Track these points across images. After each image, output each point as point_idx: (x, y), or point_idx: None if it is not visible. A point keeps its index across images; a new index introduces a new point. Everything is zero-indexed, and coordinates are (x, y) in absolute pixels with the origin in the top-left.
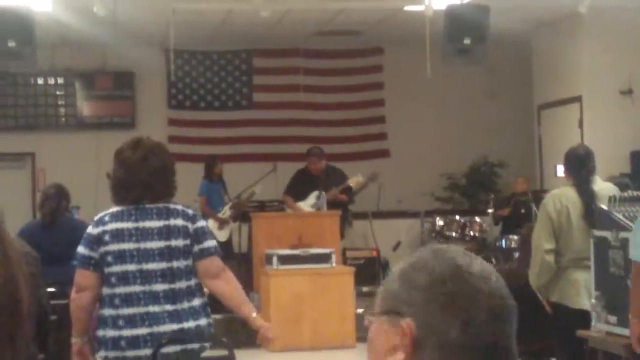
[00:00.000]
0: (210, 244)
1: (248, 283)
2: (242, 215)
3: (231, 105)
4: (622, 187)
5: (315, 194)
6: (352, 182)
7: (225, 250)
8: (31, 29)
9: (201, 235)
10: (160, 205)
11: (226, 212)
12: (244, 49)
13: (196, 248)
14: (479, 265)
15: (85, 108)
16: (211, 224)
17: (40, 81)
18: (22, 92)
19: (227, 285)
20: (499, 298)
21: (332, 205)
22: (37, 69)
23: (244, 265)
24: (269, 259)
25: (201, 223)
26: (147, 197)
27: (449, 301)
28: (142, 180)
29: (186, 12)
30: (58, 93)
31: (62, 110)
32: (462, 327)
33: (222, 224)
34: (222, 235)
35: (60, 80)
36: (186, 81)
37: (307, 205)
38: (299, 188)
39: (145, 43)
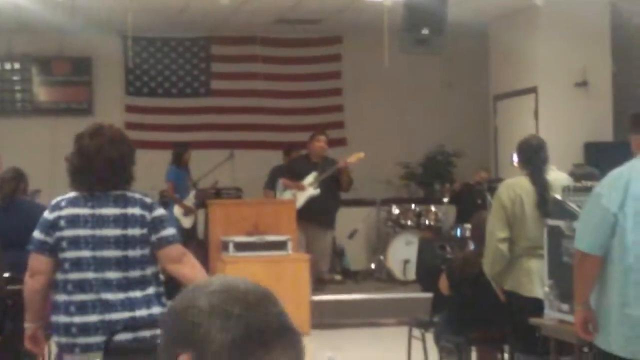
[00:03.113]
0: (169, 232)
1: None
2: (203, 202)
3: (189, 92)
4: (590, 177)
5: (313, 174)
6: (353, 158)
7: (190, 236)
8: None
9: (158, 223)
10: (118, 193)
11: (191, 199)
12: (202, 36)
13: (154, 237)
14: (217, 279)
15: (42, 93)
16: (177, 210)
17: None
18: None
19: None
20: (251, 291)
21: (328, 186)
22: None
23: (200, 251)
24: (224, 246)
25: (159, 211)
26: (100, 186)
27: (198, 319)
28: (95, 168)
29: None
30: (14, 78)
31: (19, 96)
32: (222, 326)
33: (188, 210)
34: (187, 222)
35: (17, 65)
36: (144, 68)
37: (305, 183)
38: (295, 172)
39: (103, 29)
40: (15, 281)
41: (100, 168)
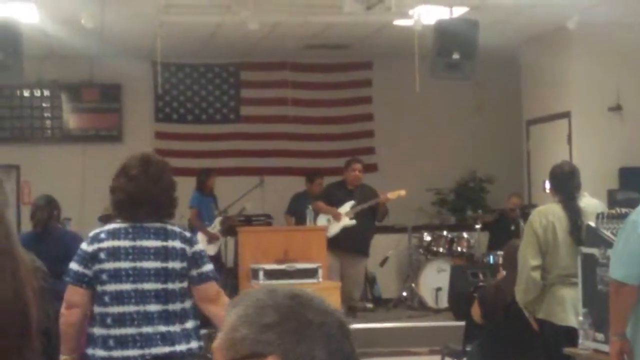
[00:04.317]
0: (208, 267)
1: (234, 297)
2: (229, 229)
3: (218, 119)
4: (632, 203)
5: (350, 203)
6: (394, 195)
7: (214, 264)
8: (18, 41)
9: (199, 259)
10: (158, 225)
11: (216, 226)
12: (231, 61)
13: (194, 272)
14: (308, 291)
15: (71, 120)
16: (200, 237)
17: (26, 93)
18: (8, 103)
19: (222, 310)
20: (338, 315)
21: (364, 215)
22: (23, 80)
23: (229, 279)
24: (254, 273)
25: (198, 246)
26: (155, 215)
27: (305, 327)
28: (152, 198)
29: (174, 25)
30: (44, 105)
31: (48, 123)
32: (325, 347)
33: (212, 238)
34: (211, 249)
35: (46, 92)
36: (173, 94)
37: (342, 211)
38: (332, 199)
39: (132, 55)
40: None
41: (157, 197)
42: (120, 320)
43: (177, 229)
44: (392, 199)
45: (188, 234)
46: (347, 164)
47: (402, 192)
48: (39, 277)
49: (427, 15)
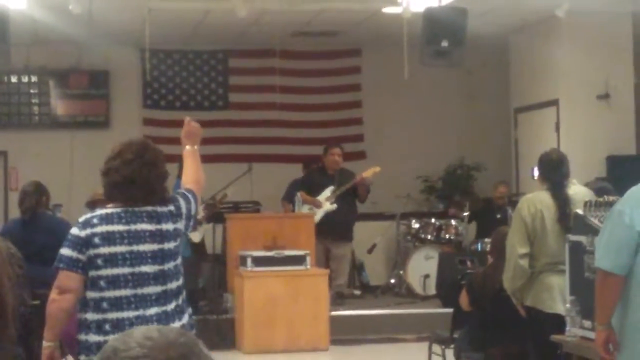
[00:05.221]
0: (193, 207)
1: (222, 284)
2: (215, 216)
3: (206, 105)
4: (603, 192)
5: (330, 188)
6: (369, 173)
7: (199, 251)
8: (5, 27)
9: (190, 218)
10: (149, 209)
11: (199, 212)
12: (220, 49)
13: (192, 222)
14: (135, 338)
15: (59, 106)
16: None
17: (14, 79)
18: None
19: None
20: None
21: (345, 199)
22: (11, 66)
23: (217, 266)
24: (243, 260)
25: (184, 208)
26: (148, 200)
27: None
28: (148, 182)
29: (162, 11)
30: (32, 91)
31: (36, 109)
32: None
33: (196, 224)
34: (196, 236)
35: (34, 78)
36: (161, 80)
37: (322, 198)
38: (312, 185)
39: (120, 42)
40: (35, 296)
41: (153, 182)
42: (117, 304)
43: (165, 209)
44: (368, 177)
45: (173, 208)
46: (326, 150)
47: (377, 169)
48: (14, 264)
49: (416, 3)
